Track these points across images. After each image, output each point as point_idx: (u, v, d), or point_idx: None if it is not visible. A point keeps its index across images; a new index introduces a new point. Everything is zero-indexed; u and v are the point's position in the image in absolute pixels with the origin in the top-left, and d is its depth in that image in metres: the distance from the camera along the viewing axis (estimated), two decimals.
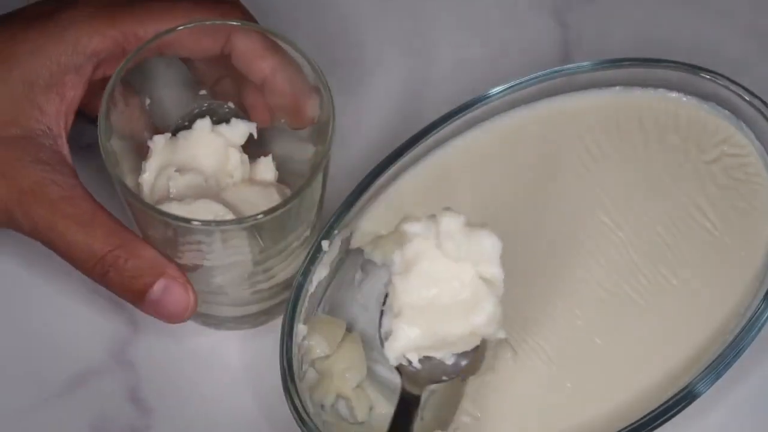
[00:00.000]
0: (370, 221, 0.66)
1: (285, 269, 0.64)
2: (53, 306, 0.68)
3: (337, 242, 0.64)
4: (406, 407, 0.60)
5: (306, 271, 0.63)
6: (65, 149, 0.62)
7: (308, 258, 0.63)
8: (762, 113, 0.66)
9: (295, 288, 0.63)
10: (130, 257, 0.59)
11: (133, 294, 0.60)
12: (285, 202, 0.58)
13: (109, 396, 0.66)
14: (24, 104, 0.61)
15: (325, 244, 0.64)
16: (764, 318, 0.62)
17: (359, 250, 0.65)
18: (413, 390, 0.60)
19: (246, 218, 0.57)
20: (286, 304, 0.63)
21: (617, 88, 0.69)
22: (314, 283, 0.63)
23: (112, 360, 0.67)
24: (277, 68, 0.63)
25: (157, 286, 0.60)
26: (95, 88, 0.63)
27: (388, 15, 0.79)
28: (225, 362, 0.67)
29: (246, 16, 0.65)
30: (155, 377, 0.67)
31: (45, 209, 0.60)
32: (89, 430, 0.65)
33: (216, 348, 0.68)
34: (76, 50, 0.61)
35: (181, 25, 0.61)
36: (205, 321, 0.68)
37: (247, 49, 0.63)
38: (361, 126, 0.74)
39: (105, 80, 0.61)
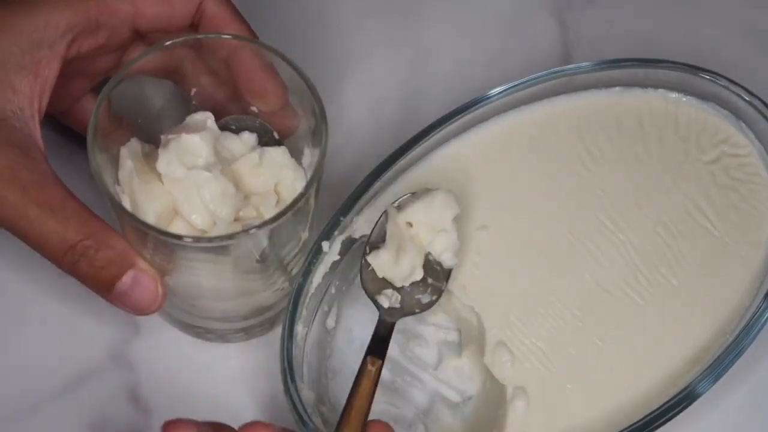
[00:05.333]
0: (369, 223, 0.66)
1: (271, 288, 0.64)
2: (53, 306, 0.68)
3: (338, 243, 0.64)
4: (383, 333, 0.62)
5: (306, 272, 0.63)
6: (37, 132, 0.60)
7: (308, 259, 0.63)
8: (762, 113, 0.66)
9: (295, 289, 0.63)
10: (101, 247, 0.58)
11: (101, 285, 0.59)
12: (279, 215, 0.57)
13: (109, 396, 0.66)
14: None
15: (325, 245, 0.64)
16: (764, 318, 0.62)
17: (359, 249, 0.66)
18: (389, 319, 0.62)
19: (236, 233, 0.57)
20: (287, 304, 0.63)
21: (617, 88, 0.69)
22: (314, 284, 0.64)
23: (112, 360, 0.67)
24: (242, 41, 0.62)
25: (126, 278, 0.59)
26: (72, 93, 0.63)
27: (387, 15, 0.79)
28: (225, 362, 0.67)
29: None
30: (155, 377, 0.66)
31: (15, 194, 0.58)
32: (89, 430, 0.65)
33: (216, 348, 0.68)
34: (48, 26, 0.60)
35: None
36: (199, 333, 0.68)
37: (215, 14, 0.62)
38: (361, 126, 0.74)
39: (81, 81, 0.62)
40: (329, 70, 0.76)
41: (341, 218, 0.65)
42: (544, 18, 0.79)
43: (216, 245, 0.57)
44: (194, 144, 0.60)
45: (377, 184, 0.66)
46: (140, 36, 0.64)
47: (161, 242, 0.58)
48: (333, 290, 0.65)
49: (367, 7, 0.79)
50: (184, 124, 0.62)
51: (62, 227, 0.58)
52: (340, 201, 0.65)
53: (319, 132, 0.60)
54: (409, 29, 0.78)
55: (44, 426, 0.65)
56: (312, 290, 0.63)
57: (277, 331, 0.63)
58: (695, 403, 0.60)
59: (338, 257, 0.65)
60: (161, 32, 0.63)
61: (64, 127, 0.69)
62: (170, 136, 0.61)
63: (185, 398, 0.66)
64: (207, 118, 0.62)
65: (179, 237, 0.57)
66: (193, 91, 0.65)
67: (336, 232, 0.64)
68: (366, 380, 0.59)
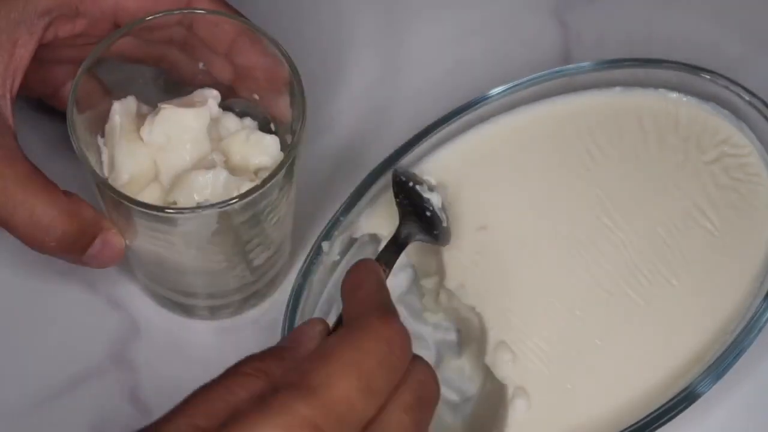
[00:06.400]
0: (369, 223, 0.66)
1: (260, 256, 0.64)
2: (53, 306, 0.68)
3: (337, 244, 0.64)
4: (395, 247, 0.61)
5: (306, 273, 0.63)
6: (8, 111, 0.60)
7: (308, 260, 0.63)
8: (762, 113, 0.66)
9: (294, 290, 0.63)
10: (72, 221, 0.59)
11: (73, 254, 0.60)
12: (255, 188, 0.57)
13: (109, 396, 0.66)
14: None
15: (325, 245, 0.64)
16: (765, 318, 0.62)
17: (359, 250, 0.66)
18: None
19: (222, 203, 0.58)
20: (286, 306, 0.63)
21: (617, 88, 0.69)
22: (314, 284, 0.64)
23: (112, 360, 0.67)
24: (243, 30, 0.62)
25: (96, 242, 0.60)
26: (58, 77, 0.63)
27: (387, 14, 0.79)
28: (225, 362, 0.67)
29: None
30: (155, 377, 0.66)
31: None
32: (89, 430, 0.65)
33: (216, 348, 0.68)
34: (26, 8, 0.60)
35: None
36: (165, 304, 0.68)
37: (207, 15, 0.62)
38: (360, 126, 0.74)
39: (66, 67, 0.62)
40: (325, 70, 0.76)
41: (341, 218, 0.65)
42: (544, 18, 0.79)
43: (161, 215, 0.58)
44: (186, 118, 0.61)
45: (378, 184, 0.66)
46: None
47: (118, 203, 0.58)
48: (333, 290, 0.65)
49: (366, 4, 0.79)
50: (188, 97, 0.63)
51: (31, 202, 0.58)
52: (340, 201, 0.66)
53: (297, 116, 0.60)
54: (408, 29, 0.78)
55: (44, 426, 0.65)
56: (312, 290, 0.63)
57: (278, 330, 0.63)
58: (696, 404, 0.60)
59: (338, 257, 0.65)
60: (146, 29, 0.63)
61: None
62: (165, 105, 0.61)
63: None
64: (212, 96, 0.62)
65: (130, 200, 0.57)
66: (201, 65, 0.65)
67: (336, 232, 0.64)
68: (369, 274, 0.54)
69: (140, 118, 0.62)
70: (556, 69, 0.68)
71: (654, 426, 0.60)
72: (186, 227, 0.59)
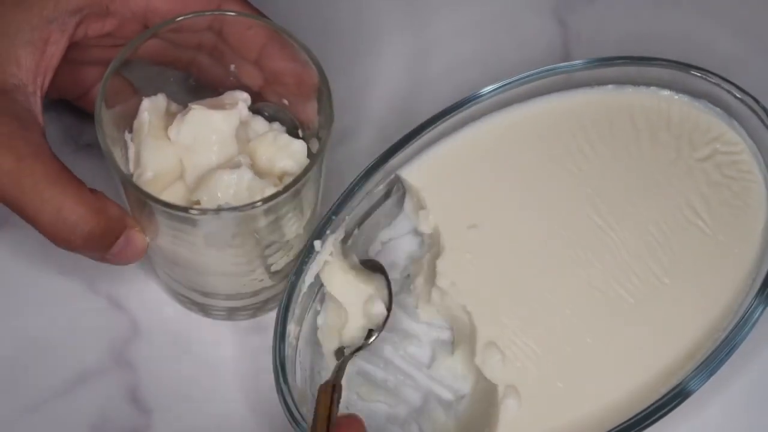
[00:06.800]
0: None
1: (279, 261, 0.64)
2: (53, 306, 0.68)
3: (329, 242, 0.64)
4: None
5: (299, 271, 0.63)
6: (38, 108, 0.60)
7: (301, 258, 0.64)
8: (753, 110, 0.66)
9: (287, 288, 0.63)
10: (99, 219, 0.59)
11: (97, 252, 0.60)
12: (278, 193, 0.58)
13: (109, 396, 0.66)
14: (1, 56, 0.60)
15: (317, 244, 0.64)
16: (757, 315, 0.62)
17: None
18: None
19: (244, 206, 0.58)
20: (279, 304, 0.63)
21: (609, 86, 0.69)
22: (307, 282, 0.64)
23: (112, 360, 0.67)
24: (273, 35, 0.62)
25: (121, 240, 0.60)
26: (87, 80, 0.64)
27: (386, 13, 0.79)
28: (224, 363, 0.67)
29: None
30: (155, 377, 0.67)
31: (10, 163, 0.58)
32: (89, 430, 0.65)
33: (215, 348, 0.68)
34: (58, 5, 0.60)
35: None
36: (184, 303, 0.68)
37: (238, 18, 0.62)
38: (357, 124, 0.74)
39: (94, 69, 0.62)
40: (325, 69, 0.76)
41: (333, 217, 0.65)
42: (543, 17, 0.79)
43: (182, 215, 0.58)
44: (214, 120, 0.61)
45: (369, 183, 0.66)
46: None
47: (141, 201, 0.59)
48: (325, 289, 0.65)
49: (366, 2, 0.79)
50: (218, 98, 0.63)
51: (59, 199, 0.58)
52: (331, 199, 0.65)
53: (324, 123, 0.60)
54: (406, 27, 0.78)
55: (44, 426, 0.65)
56: (304, 289, 0.64)
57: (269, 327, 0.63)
58: (688, 400, 0.60)
59: (330, 256, 0.65)
60: (176, 32, 0.64)
61: (90, 143, 0.70)
62: (195, 106, 0.61)
63: (185, 398, 0.66)
64: (242, 98, 0.62)
65: (153, 198, 0.57)
66: (232, 67, 0.65)
67: (328, 231, 0.64)
68: (321, 401, 0.59)
69: (169, 116, 0.62)
70: (548, 67, 0.68)
71: (646, 423, 0.60)
72: (207, 228, 0.59)
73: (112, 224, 0.60)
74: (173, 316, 0.69)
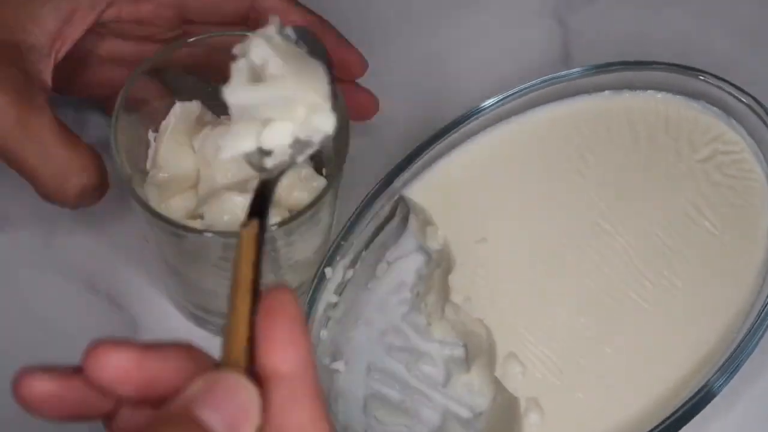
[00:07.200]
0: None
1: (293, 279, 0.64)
2: (52, 306, 0.68)
3: (340, 269, 0.64)
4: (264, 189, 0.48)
5: (311, 301, 0.62)
6: (48, 72, 0.60)
7: (312, 287, 0.63)
8: (752, 109, 0.66)
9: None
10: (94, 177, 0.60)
11: (90, 202, 0.62)
12: (296, 215, 0.57)
13: None
14: (25, 14, 0.59)
15: (328, 271, 0.63)
16: None
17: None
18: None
19: (188, 228, 0.57)
20: None
21: (606, 92, 0.69)
22: (319, 310, 0.63)
23: None
24: (311, 21, 0.62)
25: None
26: (116, 81, 0.63)
27: (385, 16, 0.78)
28: None
29: None
30: None
31: (16, 114, 0.58)
32: (89, 430, 0.64)
33: (215, 348, 0.67)
34: None
35: None
36: (196, 321, 0.68)
37: (272, 6, 0.62)
38: (357, 139, 0.73)
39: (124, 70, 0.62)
40: None
41: (342, 243, 0.64)
42: (544, 18, 0.79)
43: (170, 229, 0.57)
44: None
45: (375, 206, 0.65)
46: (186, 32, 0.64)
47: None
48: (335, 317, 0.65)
49: (365, 6, 0.78)
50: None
51: (65, 153, 0.59)
52: (340, 221, 0.65)
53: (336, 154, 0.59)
54: (406, 30, 0.78)
55: (44, 426, 0.64)
56: (316, 318, 0.63)
57: None
58: (711, 403, 0.60)
59: (341, 281, 0.65)
60: (210, 24, 0.63)
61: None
62: (226, 122, 0.61)
63: None
64: None
65: (142, 203, 0.57)
66: None
67: (338, 257, 0.64)
68: (243, 245, 0.44)
69: (200, 125, 0.62)
70: (545, 78, 0.68)
71: (675, 428, 0.59)
72: (192, 246, 0.59)
73: (104, 177, 0.61)
74: (173, 316, 0.68)
